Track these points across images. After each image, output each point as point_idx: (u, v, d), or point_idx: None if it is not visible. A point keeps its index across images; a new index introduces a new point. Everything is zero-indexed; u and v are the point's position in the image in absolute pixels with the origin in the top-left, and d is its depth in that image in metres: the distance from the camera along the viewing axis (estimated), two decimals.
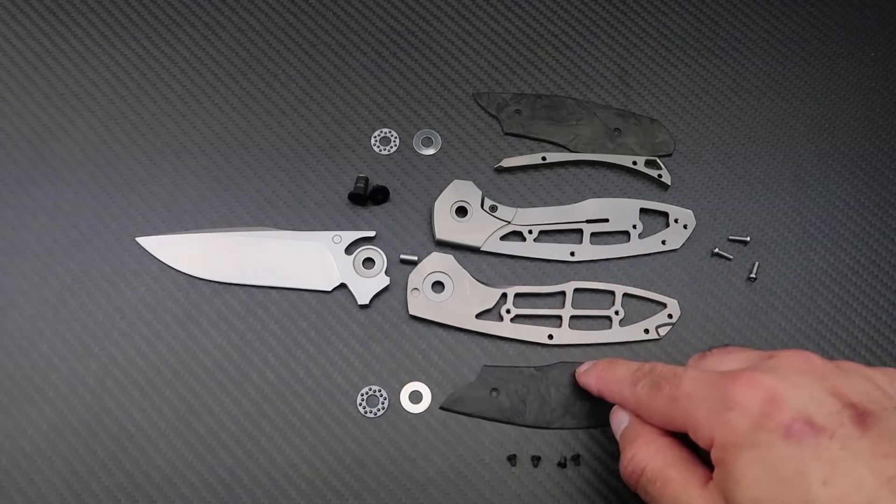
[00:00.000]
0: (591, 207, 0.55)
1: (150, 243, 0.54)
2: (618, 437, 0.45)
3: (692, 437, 0.39)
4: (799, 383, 0.37)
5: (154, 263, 0.53)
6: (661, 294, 0.54)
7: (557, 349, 0.52)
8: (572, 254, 0.54)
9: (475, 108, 0.58)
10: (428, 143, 0.57)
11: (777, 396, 0.37)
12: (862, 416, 0.36)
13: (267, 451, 0.50)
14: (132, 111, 0.57)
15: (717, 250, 0.55)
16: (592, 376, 0.48)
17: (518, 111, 0.57)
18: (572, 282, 0.54)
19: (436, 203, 0.54)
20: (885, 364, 0.53)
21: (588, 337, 0.52)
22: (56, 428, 0.50)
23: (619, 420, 0.45)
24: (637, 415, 0.43)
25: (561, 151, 0.57)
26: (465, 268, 0.53)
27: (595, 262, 0.54)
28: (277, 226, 0.55)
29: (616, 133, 0.57)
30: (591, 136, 0.57)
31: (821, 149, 0.58)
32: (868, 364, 0.42)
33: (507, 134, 0.57)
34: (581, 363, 0.51)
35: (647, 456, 0.41)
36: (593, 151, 0.57)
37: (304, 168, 0.56)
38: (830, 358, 0.43)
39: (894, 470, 0.34)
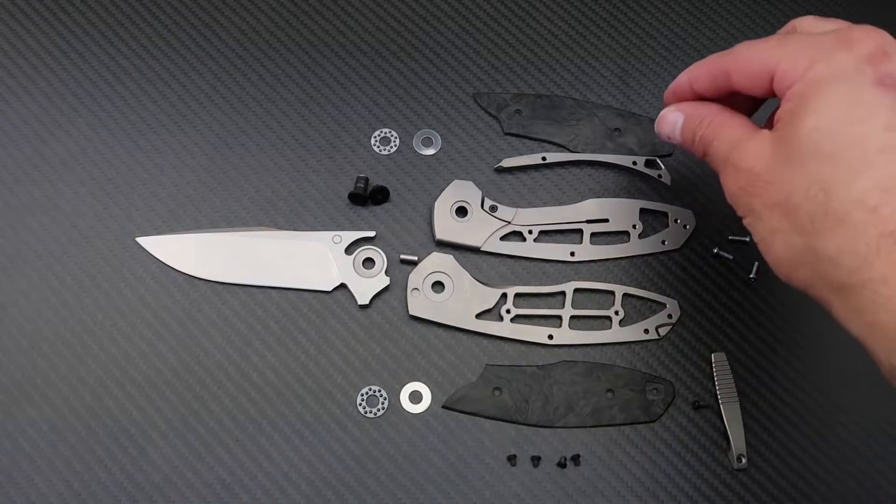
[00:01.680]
0: (591, 207, 0.55)
1: (150, 243, 0.54)
2: (676, 134, 0.46)
3: (778, 78, 0.40)
4: None
5: (154, 263, 0.53)
6: (660, 294, 0.54)
7: (557, 349, 0.52)
8: (572, 254, 0.54)
9: (475, 108, 0.58)
10: (428, 143, 0.57)
11: (888, 51, 0.38)
12: None
13: (267, 450, 0.50)
14: (132, 111, 0.57)
15: (717, 250, 0.55)
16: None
17: (518, 111, 0.57)
18: (572, 282, 0.54)
19: (436, 203, 0.54)
20: None
21: (588, 337, 0.52)
22: (56, 428, 0.50)
23: (674, 119, 0.46)
24: (722, 66, 0.43)
25: (561, 151, 0.57)
26: (465, 268, 0.53)
27: (595, 262, 0.54)
28: (277, 226, 0.55)
29: (616, 133, 0.57)
30: (591, 136, 0.57)
31: None
32: None
33: (507, 134, 0.57)
34: (583, 362, 0.51)
35: (709, 128, 0.44)
36: (593, 151, 0.57)
37: (304, 168, 0.56)
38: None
39: None
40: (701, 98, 0.46)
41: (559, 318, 0.53)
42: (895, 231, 0.35)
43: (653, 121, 0.57)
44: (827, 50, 0.39)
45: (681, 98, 0.47)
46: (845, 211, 0.36)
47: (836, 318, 0.38)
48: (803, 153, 0.38)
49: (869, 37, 0.39)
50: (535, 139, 0.57)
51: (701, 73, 0.45)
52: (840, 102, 0.37)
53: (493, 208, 0.54)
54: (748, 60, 0.42)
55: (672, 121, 0.46)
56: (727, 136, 0.43)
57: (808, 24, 0.43)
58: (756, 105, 0.44)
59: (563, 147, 0.57)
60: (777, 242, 0.39)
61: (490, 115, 0.57)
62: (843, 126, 0.37)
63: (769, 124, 0.42)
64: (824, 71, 0.38)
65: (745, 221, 0.42)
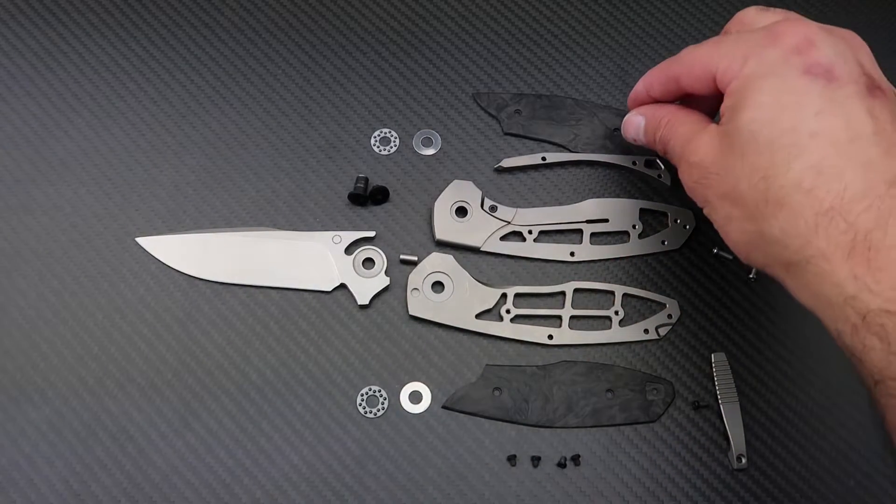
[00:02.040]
0: (590, 207, 0.55)
1: (150, 243, 0.54)
2: (640, 136, 0.50)
3: (719, 78, 0.43)
4: (835, 42, 0.41)
5: (154, 263, 0.53)
6: (660, 294, 0.54)
7: (557, 349, 0.52)
8: (572, 254, 0.54)
9: (475, 108, 0.58)
10: (428, 143, 0.57)
11: (813, 40, 0.40)
12: (874, 86, 0.40)
13: (267, 451, 0.50)
14: (132, 111, 0.57)
15: (717, 250, 0.55)
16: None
17: (518, 111, 0.57)
18: (572, 282, 0.54)
19: (436, 203, 0.54)
20: None
21: (588, 337, 0.52)
22: (56, 428, 0.50)
23: (637, 122, 0.50)
24: (671, 72, 0.47)
25: (561, 151, 0.57)
26: (465, 268, 0.53)
27: (595, 262, 0.54)
28: (277, 226, 0.55)
29: (616, 133, 0.57)
30: (591, 136, 0.57)
31: None
32: None
33: (506, 134, 0.57)
34: (583, 362, 0.51)
35: (667, 128, 0.47)
36: (593, 151, 0.57)
37: (304, 168, 0.56)
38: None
39: (882, 114, 0.39)
40: (661, 101, 0.49)
41: (559, 318, 0.53)
42: (830, 209, 0.37)
43: None
44: (758, 46, 0.41)
45: (640, 103, 0.51)
46: (784, 195, 0.39)
47: (790, 292, 0.41)
48: (743, 144, 0.40)
49: (794, 29, 0.41)
50: (535, 139, 0.57)
51: (654, 79, 0.49)
52: (772, 94, 0.40)
53: (493, 208, 0.54)
54: (692, 64, 0.45)
55: (635, 124, 0.50)
56: (680, 133, 0.46)
57: (749, 16, 0.45)
58: (719, 102, 0.46)
59: (563, 147, 0.57)
60: (732, 229, 0.42)
61: (490, 115, 0.57)
62: (776, 116, 0.40)
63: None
64: (756, 67, 0.41)
65: (705, 211, 0.45)
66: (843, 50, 0.41)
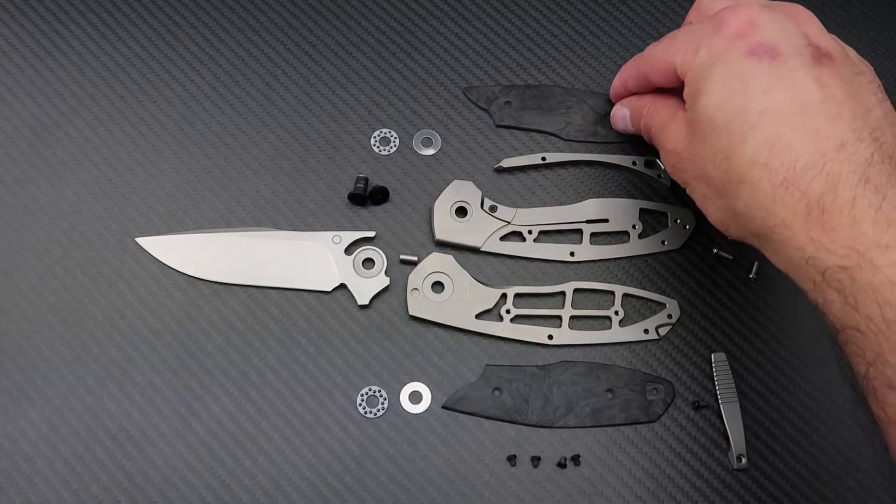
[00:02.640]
0: (590, 207, 0.55)
1: (150, 243, 0.54)
2: (628, 126, 0.54)
3: (678, 70, 0.46)
4: (778, 19, 0.43)
5: (154, 263, 0.53)
6: (660, 294, 0.54)
7: (557, 349, 0.52)
8: (572, 254, 0.54)
9: (475, 108, 0.58)
10: (428, 143, 0.57)
11: (755, 22, 0.42)
12: (820, 55, 0.42)
13: (266, 451, 0.50)
14: (132, 111, 0.57)
15: (717, 250, 0.55)
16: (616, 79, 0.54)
17: (508, 103, 0.57)
18: (572, 282, 0.54)
19: (436, 203, 0.54)
20: None
21: (588, 337, 0.52)
22: (56, 428, 0.50)
23: (623, 114, 0.54)
24: (639, 69, 0.50)
25: (560, 151, 0.57)
26: (464, 268, 0.53)
27: (595, 262, 0.54)
28: (277, 226, 0.55)
29: (607, 118, 0.57)
30: (583, 123, 0.57)
31: None
32: None
33: (498, 126, 0.57)
34: (583, 362, 0.51)
35: (648, 117, 0.50)
36: (585, 138, 0.57)
37: (304, 168, 0.56)
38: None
39: (832, 80, 0.40)
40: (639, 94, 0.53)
41: (559, 318, 0.53)
42: (784, 180, 0.40)
43: None
44: (706, 36, 0.44)
45: (621, 97, 0.54)
46: (743, 171, 0.41)
47: (768, 258, 0.43)
48: (704, 129, 0.43)
49: (737, 14, 0.43)
50: (527, 129, 0.57)
51: (627, 76, 0.53)
52: (721, 80, 0.42)
53: (493, 208, 0.54)
54: (654, 60, 0.48)
55: (622, 116, 0.54)
56: (657, 121, 0.49)
57: (705, 4, 0.48)
58: None
59: (555, 136, 0.57)
60: (708, 206, 0.46)
61: (481, 108, 0.57)
62: (727, 99, 0.42)
63: None
64: (706, 56, 0.44)
65: (687, 191, 0.47)
66: (785, 25, 0.42)
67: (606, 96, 0.57)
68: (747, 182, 0.41)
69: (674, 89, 0.49)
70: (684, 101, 0.46)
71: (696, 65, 0.44)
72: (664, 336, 0.53)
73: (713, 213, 0.46)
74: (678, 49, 0.46)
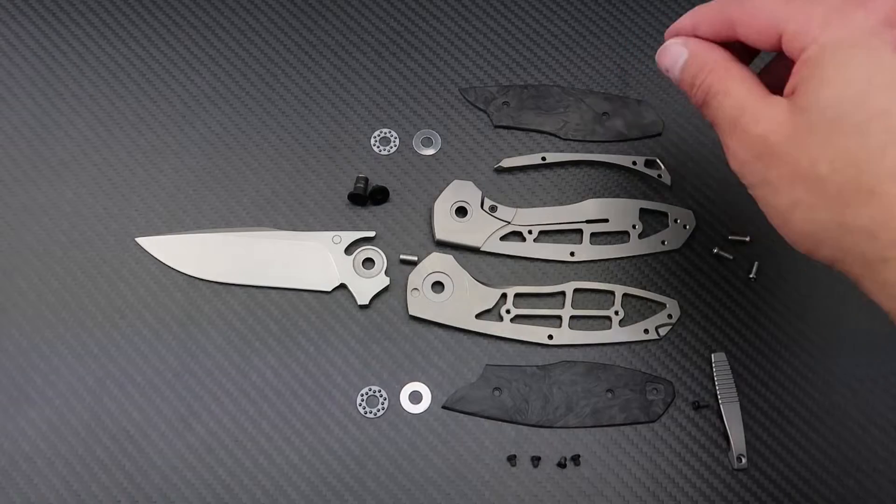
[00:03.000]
0: (590, 207, 0.55)
1: (150, 243, 0.54)
2: (675, 71, 0.43)
3: (787, 39, 0.37)
4: None
5: (154, 263, 0.53)
6: (660, 294, 0.54)
7: (557, 349, 0.52)
8: (572, 254, 0.54)
9: (475, 107, 0.58)
10: (428, 143, 0.57)
11: None
12: None
13: (266, 451, 0.50)
14: (132, 111, 0.57)
15: (717, 250, 0.55)
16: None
17: (506, 103, 0.57)
18: (572, 282, 0.54)
19: (436, 203, 0.54)
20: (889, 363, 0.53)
21: (588, 337, 0.52)
22: (56, 428, 0.50)
23: (677, 53, 0.43)
24: (727, 15, 0.41)
25: (560, 151, 0.57)
26: (464, 268, 0.53)
27: (595, 262, 0.54)
28: (277, 226, 0.55)
29: (604, 117, 0.57)
30: (581, 122, 0.57)
31: None
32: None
33: (497, 127, 0.57)
34: (583, 362, 0.51)
35: (715, 77, 0.41)
36: (583, 137, 0.57)
37: (304, 168, 0.56)
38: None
39: None
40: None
41: (559, 318, 0.53)
42: None
43: (639, 103, 0.57)
44: (840, 10, 0.36)
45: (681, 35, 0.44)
46: (877, 184, 0.35)
47: (866, 293, 0.37)
48: (827, 125, 0.36)
49: None
50: (525, 129, 0.57)
51: (704, 17, 0.42)
52: (861, 71, 0.35)
53: (493, 208, 0.54)
54: (755, 14, 0.39)
55: (675, 54, 0.43)
56: (735, 93, 0.40)
57: None
58: (754, 54, 0.42)
59: (553, 135, 0.57)
60: (797, 216, 0.37)
61: (479, 109, 0.57)
62: (866, 96, 0.35)
63: (766, 78, 0.41)
64: (839, 34, 0.36)
65: (757, 192, 0.39)
66: None
67: (604, 95, 0.57)
68: (880, 196, 0.34)
69: (733, 50, 0.42)
70: (770, 75, 0.40)
71: (824, 43, 0.36)
72: (664, 336, 0.53)
73: (801, 224, 0.38)
74: (796, 12, 0.37)
